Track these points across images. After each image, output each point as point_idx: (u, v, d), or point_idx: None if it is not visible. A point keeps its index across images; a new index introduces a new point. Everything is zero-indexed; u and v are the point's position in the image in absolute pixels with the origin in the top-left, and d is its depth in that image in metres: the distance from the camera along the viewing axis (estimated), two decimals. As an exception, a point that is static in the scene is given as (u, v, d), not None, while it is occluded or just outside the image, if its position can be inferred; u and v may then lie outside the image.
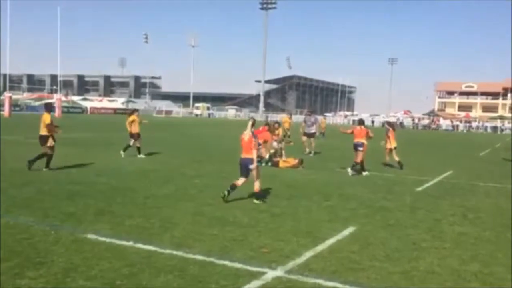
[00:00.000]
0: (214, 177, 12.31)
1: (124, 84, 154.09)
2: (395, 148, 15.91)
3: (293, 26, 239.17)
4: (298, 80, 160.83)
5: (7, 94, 49.87)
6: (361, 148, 13.93)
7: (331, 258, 5.85)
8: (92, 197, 8.96)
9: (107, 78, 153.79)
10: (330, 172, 14.26)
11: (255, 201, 9.10)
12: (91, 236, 6.36)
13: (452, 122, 77.33)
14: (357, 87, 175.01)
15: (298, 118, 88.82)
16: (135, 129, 16.10)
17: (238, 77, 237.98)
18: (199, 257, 5.67)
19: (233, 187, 9.14)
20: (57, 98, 56.39)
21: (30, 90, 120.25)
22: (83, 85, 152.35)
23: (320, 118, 37.74)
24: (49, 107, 13.33)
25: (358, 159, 13.89)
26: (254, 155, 9.06)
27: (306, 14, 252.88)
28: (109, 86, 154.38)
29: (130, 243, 6.10)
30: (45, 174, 11.37)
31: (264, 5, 79.89)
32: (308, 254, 5.95)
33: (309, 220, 7.84)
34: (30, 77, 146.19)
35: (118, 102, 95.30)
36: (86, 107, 70.31)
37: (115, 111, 72.75)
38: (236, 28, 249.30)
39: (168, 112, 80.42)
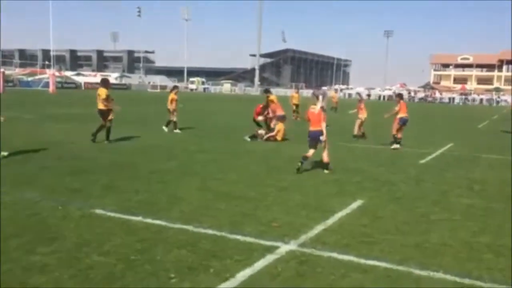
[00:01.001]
0: (217, 152, 12.24)
1: (117, 59, 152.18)
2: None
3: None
4: (293, 54, 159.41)
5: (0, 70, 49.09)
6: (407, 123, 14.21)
7: (342, 231, 5.83)
8: (96, 172, 8.88)
9: (100, 52, 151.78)
10: (334, 147, 14.16)
11: (325, 171, 9.62)
12: (99, 211, 6.30)
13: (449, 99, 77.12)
14: (352, 60, 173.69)
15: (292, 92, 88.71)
16: (173, 105, 16.34)
17: (232, 51, 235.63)
18: (210, 231, 5.64)
19: (305, 158, 9.58)
20: (50, 74, 55.55)
21: (22, 65, 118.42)
22: (76, 60, 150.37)
23: (331, 92, 37.32)
24: (106, 83, 13.43)
25: (400, 135, 14.16)
26: (324, 127, 9.60)
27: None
28: (102, 61, 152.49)
29: (139, 218, 6.05)
30: (48, 151, 11.23)
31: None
32: (319, 228, 5.93)
33: (316, 194, 7.81)
34: (21, 52, 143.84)
35: (111, 77, 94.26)
36: (80, 83, 69.49)
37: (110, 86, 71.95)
38: (230, 1, 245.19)
39: (163, 87, 79.68)
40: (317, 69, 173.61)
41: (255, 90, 74.11)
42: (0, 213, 6.01)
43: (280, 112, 15.32)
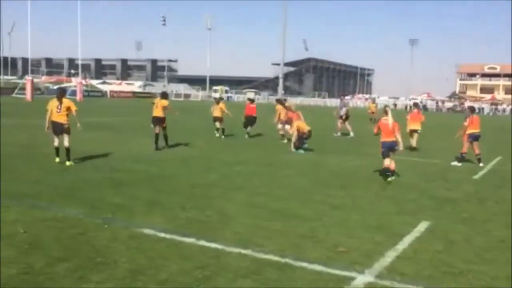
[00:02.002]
0: (255, 163, 11.74)
1: (141, 68, 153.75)
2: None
3: (310, 8, 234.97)
4: (315, 63, 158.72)
5: (28, 78, 49.72)
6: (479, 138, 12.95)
7: (418, 259, 5.23)
8: (137, 186, 8.46)
9: (124, 61, 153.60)
10: (371, 158, 13.53)
11: (390, 178, 9.70)
12: (147, 231, 5.83)
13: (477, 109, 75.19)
14: (375, 69, 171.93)
15: (317, 101, 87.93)
16: (218, 113, 17.67)
17: (254, 60, 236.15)
18: (272, 257, 5.10)
19: (387, 170, 9.81)
20: (77, 82, 56.17)
21: (48, 73, 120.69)
22: (101, 69, 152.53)
23: (368, 101, 35.75)
24: (166, 95, 14.78)
25: (478, 150, 12.86)
26: (399, 138, 10.00)
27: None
28: (126, 70, 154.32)
29: (192, 240, 5.56)
30: (83, 161, 10.89)
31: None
32: (391, 255, 5.34)
33: (374, 213, 7.21)
34: (48, 61, 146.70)
35: (135, 85, 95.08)
36: (106, 91, 70.11)
37: (135, 94, 72.49)
38: (251, 10, 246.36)
39: (187, 96, 79.87)
40: (340, 78, 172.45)
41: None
42: (44, 233, 5.61)
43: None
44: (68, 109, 10.45)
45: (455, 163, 12.86)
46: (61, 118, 10.38)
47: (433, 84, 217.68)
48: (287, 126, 16.14)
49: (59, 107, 10.38)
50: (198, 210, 6.96)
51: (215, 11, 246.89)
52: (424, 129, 16.56)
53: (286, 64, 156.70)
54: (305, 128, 14.44)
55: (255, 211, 7.04)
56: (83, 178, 8.99)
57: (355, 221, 6.73)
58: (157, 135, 13.58)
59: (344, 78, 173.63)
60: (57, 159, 10.41)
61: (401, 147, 10.11)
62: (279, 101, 18.51)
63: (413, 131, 15.94)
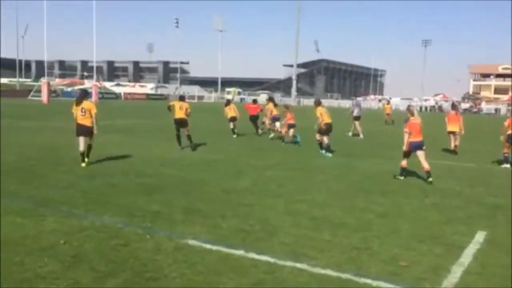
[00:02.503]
0: (285, 167, 11.39)
1: (153, 70, 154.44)
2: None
3: (321, 8, 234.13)
4: (327, 64, 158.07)
5: (44, 80, 49.92)
6: None
7: (489, 275, 4.84)
8: (169, 191, 8.16)
9: (136, 63, 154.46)
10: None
11: (430, 179, 9.76)
12: (192, 242, 5.51)
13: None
14: (387, 70, 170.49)
15: (331, 102, 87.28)
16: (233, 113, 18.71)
17: (265, 61, 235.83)
18: (330, 272, 4.75)
19: (404, 169, 10.23)
20: (93, 84, 56.32)
21: (61, 76, 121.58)
22: (113, 71, 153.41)
23: (382, 103, 34.52)
24: (183, 98, 15.32)
25: None
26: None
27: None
28: (138, 72, 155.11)
29: (241, 252, 5.22)
30: (109, 165, 10.63)
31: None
32: (457, 269, 4.95)
33: (424, 222, 6.82)
34: (61, 63, 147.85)
35: (147, 87, 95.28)
36: (120, 93, 70.29)
37: (148, 96, 72.62)
38: (261, 11, 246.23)
39: (200, 97, 79.78)
40: (351, 79, 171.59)
41: (292, 100, 73.13)
42: (85, 244, 5.32)
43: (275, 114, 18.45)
44: (90, 111, 10.59)
45: (505, 165, 12.50)
46: (86, 121, 10.55)
47: (445, 85, 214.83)
48: (277, 123, 18.08)
49: (83, 110, 10.51)
50: (239, 218, 6.63)
51: (226, 12, 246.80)
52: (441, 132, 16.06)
53: (298, 66, 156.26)
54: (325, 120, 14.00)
55: (298, 220, 6.69)
56: (113, 183, 8.71)
57: (406, 231, 6.34)
58: (178, 135, 14.03)
59: (355, 79, 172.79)
60: (83, 164, 10.32)
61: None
62: (271, 99, 19.64)
63: (451, 133, 15.55)
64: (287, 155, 13.89)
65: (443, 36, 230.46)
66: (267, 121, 19.05)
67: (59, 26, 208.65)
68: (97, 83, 59.96)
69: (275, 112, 18.44)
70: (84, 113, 10.51)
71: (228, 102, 19.63)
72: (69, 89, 69.63)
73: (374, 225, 6.57)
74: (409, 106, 11.80)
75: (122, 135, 17.53)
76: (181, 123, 14.13)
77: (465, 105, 73.83)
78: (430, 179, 9.76)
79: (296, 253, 5.27)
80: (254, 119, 19.66)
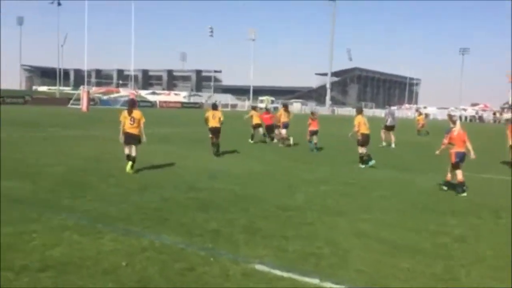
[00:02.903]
0: (338, 182, 10.87)
1: (186, 78, 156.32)
2: None
3: (352, 16, 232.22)
4: (360, 73, 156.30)
5: (84, 88, 50.99)
6: None
7: None
8: (224, 208, 7.79)
9: (170, 72, 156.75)
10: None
11: (463, 194, 9.52)
12: (260, 267, 5.11)
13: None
14: (422, 79, 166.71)
15: (365, 112, 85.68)
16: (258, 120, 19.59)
17: (297, 70, 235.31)
18: (422, 308, 4.25)
19: (463, 184, 9.69)
20: (130, 93, 57.18)
21: (98, 84, 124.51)
22: (147, 79, 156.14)
23: (415, 113, 32.70)
24: (216, 106, 15.83)
25: None
26: (470, 147, 9.92)
27: (367, 4, 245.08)
28: (172, 80, 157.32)
29: (316, 281, 4.79)
30: (157, 177, 10.39)
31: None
32: None
33: (506, 247, 6.20)
34: (98, 72, 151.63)
35: (181, 95, 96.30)
36: (156, 101, 71.13)
37: (182, 104, 73.25)
38: (293, 20, 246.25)
39: (233, 106, 79.90)
40: (385, 88, 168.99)
41: (327, 109, 72.20)
42: (148, 267, 4.99)
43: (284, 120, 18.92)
44: (139, 120, 10.83)
45: None
46: (134, 130, 10.79)
47: (482, 94, 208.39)
48: (283, 131, 18.67)
49: (132, 119, 10.74)
50: (303, 240, 6.19)
51: (256, 22, 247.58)
52: (497, 144, 15.15)
53: (331, 74, 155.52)
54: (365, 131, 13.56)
55: (367, 242, 6.19)
56: (165, 197, 8.43)
57: (492, 258, 5.76)
58: (213, 144, 14.62)
59: (389, 88, 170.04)
60: (128, 168, 10.58)
61: (472, 154, 9.95)
62: (285, 106, 20.25)
63: None
64: (334, 167, 13.36)
65: (480, 42, 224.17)
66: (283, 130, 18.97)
67: (95, 36, 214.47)
68: (134, 91, 60.69)
69: (284, 119, 18.81)
70: (133, 122, 10.72)
71: (254, 108, 21.50)
72: (105, 97, 71.07)
73: (453, 250, 6.01)
74: (450, 115, 11.38)
75: (164, 144, 17.39)
76: (215, 132, 14.59)
77: (507, 116, 71.10)
78: (463, 194, 9.56)
79: (377, 283, 4.80)
80: (270, 128, 19.94)
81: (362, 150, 13.50)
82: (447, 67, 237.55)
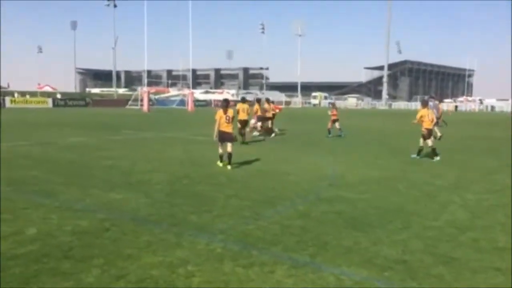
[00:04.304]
0: (482, 189, 9.28)
1: (233, 76, 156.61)
2: None
3: (400, 7, 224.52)
4: (411, 65, 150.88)
5: (144, 90, 51.17)
6: None
7: None
8: (378, 225, 6.47)
9: (217, 71, 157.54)
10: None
11: None
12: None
13: None
14: (476, 70, 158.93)
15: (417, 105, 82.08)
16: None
17: (345, 64, 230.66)
18: None
19: None
20: (189, 92, 57.05)
21: (149, 84, 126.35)
22: (196, 79, 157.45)
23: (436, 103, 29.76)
24: (245, 100, 18.30)
25: None
26: None
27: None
28: (219, 79, 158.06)
29: None
30: (273, 184, 9.21)
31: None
32: None
33: None
34: (148, 73, 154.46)
35: (229, 93, 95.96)
36: (210, 100, 70.93)
37: (235, 103, 72.66)
38: (338, 12, 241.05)
39: (287, 103, 78.57)
40: (437, 80, 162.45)
41: (384, 104, 69.47)
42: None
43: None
44: (233, 118, 11.31)
45: None
46: (230, 128, 11.06)
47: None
48: (259, 123, 19.93)
49: (228, 118, 11.00)
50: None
51: (301, 16, 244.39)
52: None
53: (379, 68, 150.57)
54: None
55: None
56: (300, 211, 7.22)
57: None
58: (241, 133, 16.74)
59: (442, 80, 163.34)
60: (220, 164, 11.11)
61: None
62: (258, 101, 20.64)
63: None
64: (453, 168, 11.72)
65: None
66: (252, 120, 19.73)
67: (147, 38, 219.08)
68: (191, 91, 60.38)
69: (259, 112, 19.95)
70: (229, 121, 11.00)
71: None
72: (156, 96, 71.46)
73: None
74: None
75: (251, 146, 16.31)
76: (245, 124, 17.12)
77: None
78: None
79: None
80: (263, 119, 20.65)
81: (428, 142, 13.31)
82: (502, 58, 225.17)
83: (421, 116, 13.26)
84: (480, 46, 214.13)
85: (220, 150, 11.10)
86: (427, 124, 13.22)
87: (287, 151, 15.08)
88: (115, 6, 71.44)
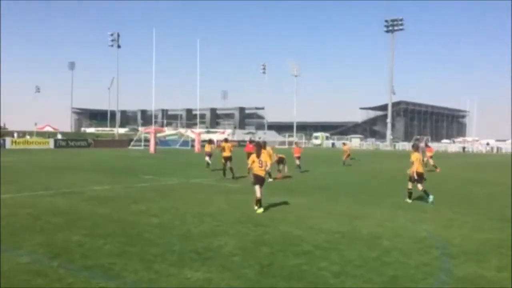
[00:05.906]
0: None
1: (229, 116, 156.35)
2: None
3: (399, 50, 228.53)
4: (406, 106, 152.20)
5: (151, 129, 49.62)
6: None
7: None
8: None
9: (213, 110, 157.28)
10: None
11: None
12: None
13: None
14: (470, 111, 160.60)
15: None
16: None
17: (340, 104, 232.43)
18: None
19: None
20: (196, 133, 55.62)
21: (143, 124, 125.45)
22: (191, 118, 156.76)
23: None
24: (227, 140, 20.48)
25: None
26: None
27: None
28: (215, 118, 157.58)
29: None
30: (369, 251, 7.50)
31: (390, 28, 74.63)
32: None
33: None
34: (143, 112, 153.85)
35: (225, 133, 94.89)
36: (213, 139, 69.48)
37: (239, 143, 71.30)
38: (332, 56, 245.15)
39: (291, 143, 77.41)
40: (432, 121, 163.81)
41: (388, 144, 68.48)
42: None
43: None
44: (266, 163, 11.47)
45: None
46: (262, 172, 11.40)
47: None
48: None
49: (260, 162, 11.35)
50: None
51: (300, 56, 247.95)
52: None
53: (375, 108, 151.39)
54: None
55: None
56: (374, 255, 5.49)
57: None
58: (224, 169, 19.47)
59: (436, 121, 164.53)
60: (259, 210, 10.87)
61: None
62: (226, 140, 20.96)
63: None
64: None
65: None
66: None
67: (141, 80, 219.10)
68: (198, 131, 58.96)
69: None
70: (261, 165, 11.33)
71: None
72: (158, 135, 69.93)
73: None
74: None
75: (292, 196, 14.61)
76: (228, 159, 19.35)
77: None
78: None
79: None
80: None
81: (418, 187, 13.20)
82: (496, 99, 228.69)
83: (416, 160, 13.32)
84: (475, 87, 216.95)
85: (258, 195, 11.01)
86: (419, 168, 13.30)
87: (347, 204, 13.37)
88: (119, 46, 70.90)
